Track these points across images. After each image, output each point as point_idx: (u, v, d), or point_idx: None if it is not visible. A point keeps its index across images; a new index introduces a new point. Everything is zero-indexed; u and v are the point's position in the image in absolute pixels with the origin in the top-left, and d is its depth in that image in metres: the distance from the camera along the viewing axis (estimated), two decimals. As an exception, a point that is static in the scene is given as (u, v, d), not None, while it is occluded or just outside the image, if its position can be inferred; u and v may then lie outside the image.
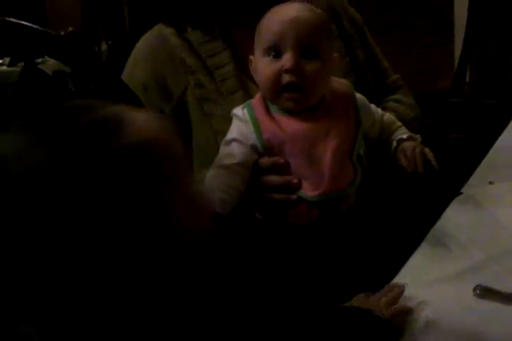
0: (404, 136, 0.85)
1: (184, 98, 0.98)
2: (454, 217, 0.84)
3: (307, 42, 0.77)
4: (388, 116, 0.90)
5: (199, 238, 0.51)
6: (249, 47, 0.97)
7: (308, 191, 0.78)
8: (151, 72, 1.00)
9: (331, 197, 0.79)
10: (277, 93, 0.79)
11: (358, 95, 0.86)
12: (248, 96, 0.94)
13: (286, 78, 0.77)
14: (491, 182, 0.92)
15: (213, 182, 0.77)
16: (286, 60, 0.76)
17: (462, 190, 0.91)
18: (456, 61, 2.42)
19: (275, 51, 0.77)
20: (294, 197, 0.79)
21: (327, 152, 0.78)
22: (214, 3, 1.00)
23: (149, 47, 1.03)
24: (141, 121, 0.47)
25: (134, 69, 1.01)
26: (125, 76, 1.01)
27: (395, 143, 0.85)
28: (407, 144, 0.84)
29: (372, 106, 0.89)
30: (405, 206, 0.94)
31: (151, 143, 0.46)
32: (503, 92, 2.11)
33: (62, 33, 3.12)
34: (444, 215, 0.85)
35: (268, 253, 0.83)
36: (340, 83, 0.85)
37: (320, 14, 0.82)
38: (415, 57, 4.05)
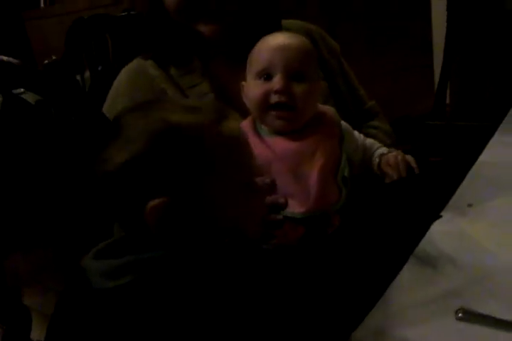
0: (385, 151, 0.89)
1: None
2: (435, 240, 0.85)
3: (295, 66, 0.83)
4: (369, 140, 0.93)
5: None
6: (227, 78, 1.00)
7: (294, 208, 0.81)
8: (131, 104, 1.00)
9: (316, 215, 0.82)
10: (266, 112, 0.84)
11: (342, 122, 0.92)
12: None
13: (274, 98, 0.83)
14: (469, 205, 0.93)
15: None
16: (276, 81, 0.82)
17: (442, 213, 0.91)
18: (437, 83, 2.45)
19: (266, 74, 0.84)
20: (280, 217, 0.80)
21: (313, 171, 0.82)
22: (193, 40, 1.01)
23: (129, 79, 1.04)
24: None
25: (115, 102, 1.02)
26: (106, 108, 1.02)
27: (377, 160, 0.89)
28: (390, 154, 0.87)
29: (356, 132, 0.93)
30: (388, 229, 0.94)
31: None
32: (483, 113, 2.15)
33: (46, 61, 3.14)
34: (425, 238, 0.85)
35: (250, 275, 0.84)
36: (326, 108, 0.91)
37: (306, 41, 0.89)
38: (395, 79, 4.11)
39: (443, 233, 0.87)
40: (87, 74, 2.75)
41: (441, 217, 0.90)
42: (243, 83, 0.88)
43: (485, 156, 1.12)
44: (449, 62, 2.33)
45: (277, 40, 0.87)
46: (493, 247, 0.81)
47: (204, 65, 1.02)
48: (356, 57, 4.45)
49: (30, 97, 1.25)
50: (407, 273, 0.77)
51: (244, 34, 0.92)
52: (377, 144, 0.93)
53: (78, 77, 2.76)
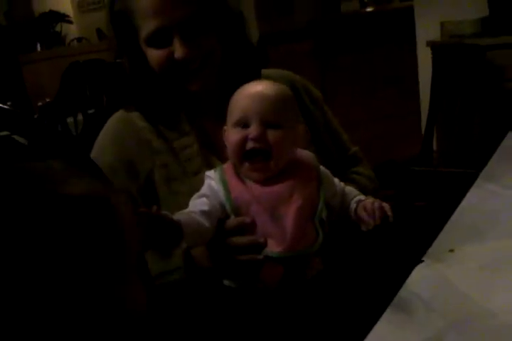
0: (362, 198, 0.92)
1: (151, 177, 1.00)
2: (416, 285, 0.85)
3: (270, 115, 0.86)
4: (348, 187, 0.95)
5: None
6: (213, 130, 1.02)
7: (272, 248, 0.83)
8: (117, 155, 1.01)
9: (294, 256, 0.83)
10: (242, 162, 0.86)
11: (321, 167, 0.93)
12: None
13: (250, 144, 0.85)
14: (451, 250, 0.94)
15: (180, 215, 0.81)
16: (252, 129, 0.85)
17: (424, 258, 0.92)
18: (424, 129, 2.51)
19: (243, 123, 0.86)
20: (261, 257, 0.83)
21: (290, 212, 0.84)
22: (178, 95, 1.04)
23: (116, 130, 1.05)
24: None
25: (101, 152, 1.03)
26: (92, 156, 1.02)
27: (354, 205, 0.91)
28: (367, 201, 0.90)
29: (335, 179, 0.95)
30: (369, 273, 0.95)
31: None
32: (468, 160, 2.19)
33: (40, 103, 3.19)
34: (406, 283, 0.86)
35: (236, 320, 0.84)
36: (305, 153, 0.93)
37: (283, 89, 0.91)
38: (383, 125, 4.20)
39: (425, 278, 0.87)
40: (80, 116, 2.80)
41: (422, 261, 0.91)
42: (225, 127, 0.91)
43: (466, 202, 1.14)
44: (435, 110, 2.39)
45: (254, 89, 0.89)
46: (473, 293, 0.82)
47: (190, 117, 1.05)
48: (345, 104, 4.56)
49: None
50: (386, 320, 0.78)
51: (227, 87, 0.95)
52: (355, 191, 0.95)
53: (71, 120, 2.81)
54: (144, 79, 1.03)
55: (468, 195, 1.18)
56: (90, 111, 2.66)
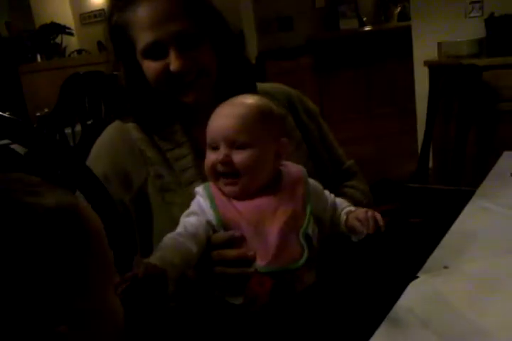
0: (352, 209, 0.92)
1: (145, 188, 1.01)
2: (410, 301, 0.85)
3: (234, 136, 0.85)
4: (339, 199, 0.96)
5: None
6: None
7: (258, 261, 0.83)
8: (111, 165, 1.03)
9: (279, 271, 0.83)
10: (216, 178, 0.88)
11: (312, 181, 0.93)
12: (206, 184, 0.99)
13: (219, 168, 0.86)
14: (445, 267, 0.94)
15: (164, 247, 0.81)
16: (219, 153, 0.86)
17: (418, 274, 0.93)
18: (420, 147, 2.53)
19: (213, 145, 0.88)
20: (251, 270, 0.83)
21: (274, 227, 0.84)
22: (174, 107, 1.05)
23: (111, 140, 1.07)
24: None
25: (96, 161, 1.04)
26: (87, 165, 1.03)
27: (344, 216, 0.92)
28: (359, 210, 0.90)
29: (326, 191, 0.95)
30: (363, 289, 0.95)
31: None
32: (463, 178, 2.21)
33: (39, 113, 3.20)
34: (401, 299, 0.86)
35: (227, 332, 0.84)
36: (295, 167, 0.93)
37: (257, 104, 0.89)
38: (381, 142, 4.22)
39: (419, 294, 0.88)
40: (79, 127, 2.81)
41: (417, 277, 0.91)
42: None
43: (461, 220, 1.15)
44: (431, 128, 2.41)
45: (222, 109, 0.89)
46: (467, 310, 0.82)
47: (185, 128, 1.06)
48: (342, 120, 4.58)
49: (17, 149, 1.27)
50: (380, 336, 0.78)
51: (223, 99, 0.96)
52: (345, 203, 0.95)
53: (69, 130, 2.81)
54: (140, 90, 1.04)
55: (464, 212, 1.18)
56: (89, 122, 2.67)
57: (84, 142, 2.51)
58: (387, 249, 1.01)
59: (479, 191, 1.31)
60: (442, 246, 1.03)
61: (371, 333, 0.78)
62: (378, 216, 0.87)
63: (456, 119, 2.35)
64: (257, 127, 0.87)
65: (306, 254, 0.85)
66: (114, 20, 1.02)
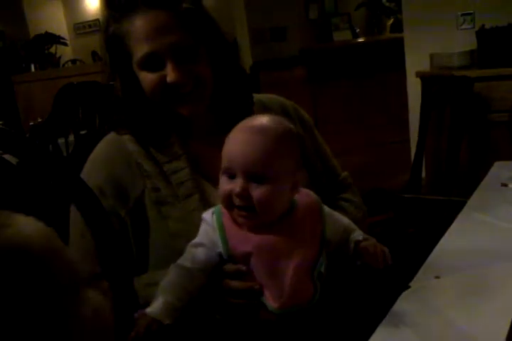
0: (360, 238, 0.88)
1: (141, 200, 0.99)
2: (402, 311, 0.86)
3: (254, 169, 0.79)
4: (346, 220, 0.93)
5: None
6: (205, 153, 1.02)
7: (269, 301, 0.81)
8: (107, 178, 1.01)
9: (290, 311, 0.81)
10: (231, 208, 0.83)
11: (325, 207, 0.89)
12: (204, 198, 0.99)
13: (236, 201, 0.81)
14: (437, 277, 0.95)
15: (168, 284, 0.80)
16: (236, 184, 0.80)
17: (410, 284, 0.93)
18: (413, 157, 2.54)
19: (230, 173, 0.82)
20: (255, 302, 0.81)
21: (289, 268, 0.80)
22: (170, 119, 1.05)
23: (106, 152, 1.05)
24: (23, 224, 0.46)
25: (91, 173, 1.02)
26: (82, 177, 1.02)
27: (352, 245, 0.88)
28: (367, 243, 0.87)
29: (336, 213, 0.92)
30: (355, 298, 0.95)
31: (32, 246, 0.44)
32: (455, 188, 2.22)
33: (32, 123, 3.20)
34: (392, 308, 0.86)
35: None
36: (308, 196, 0.88)
37: (277, 132, 0.82)
38: (374, 152, 4.25)
39: (411, 304, 0.88)
40: (72, 137, 2.80)
41: (409, 287, 0.92)
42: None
43: (453, 230, 1.15)
44: (424, 139, 2.42)
45: (242, 134, 0.82)
46: (459, 320, 0.82)
47: (182, 140, 1.05)
48: (336, 130, 4.59)
49: (9, 159, 1.27)
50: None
51: (219, 111, 0.96)
52: (352, 226, 0.91)
53: (62, 140, 2.81)
54: (136, 102, 1.03)
55: (455, 222, 1.19)
56: (82, 132, 2.66)
57: (77, 152, 2.50)
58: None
59: (470, 201, 1.32)
60: (433, 256, 1.04)
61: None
62: (387, 251, 0.84)
63: (448, 130, 2.37)
64: (278, 161, 0.81)
65: (318, 293, 0.82)
66: (110, 31, 1.02)
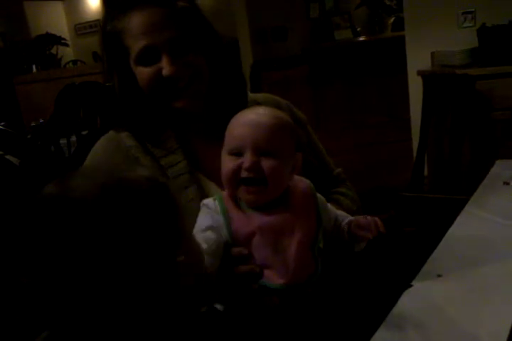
0: (352, 218, 0.93)
1: None
2: (405, 309, 0.86)
3: (264, 144, 0.85)
4: (339, 211, 0.97)
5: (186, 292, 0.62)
6: (201, 147, 1.04)
7: (273, 280, 0.82)
8: None
9: (295, 287, 0.83)
10: (236, 186, 0.85)
11: (318, 195, 0.93)
12: (200, 190, 1.01)
13: (244, 174, 0.84)
14: (439, 275, 0.95)
15: None
16: (246, 159, 0.84)
17: (412, 282, 0.93)
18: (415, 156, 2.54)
19: (237, 151, 0.85)
20: (255, 286, 0.82)
21: (292, 244, 0.83)
22: (166, 113, 1.07)
23: (104, 148, 1.08)
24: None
25: None
26: None
27: (346, 227, 0.92)
28: (358, 217, 0.91)
29: (328, 204, 0.96)
30: (357, 296, 0.95)
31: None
32: (457, 186, 2.22)
33: (33, 124, 3.20)
34: (395, 307, 0.86)
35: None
36: (302, 182, 0.93)
37: (280, 116, 0.89)
38: (376, 151, 4.24)
39: (413, 302, 0.88)
40: (74, 138, 2.81)
41: (411, 286, 0.92)
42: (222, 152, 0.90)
43: (455, 228, 1.15)
44: (425, 137, 2.42)
45: (249, 116, 0.88)
46: (462, 318, 0.82)
47: (177, 135, 1.07)
48: (337, 129, 4.59)
49: (13, 158, 1.28)
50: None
51: (214, 106, 0.97)
52: (345, 214, 0.96)
53: (64, 141, 2.81)
54: (133, 98, 1.05)
55: (457, 220, 1.19)
56: (84, 133, 2.67)
57: (79, 152, 2.50)
58: (381, 258, 1.01)
59: (472, 200, 1.32)
60: (436, 254, 1.04)
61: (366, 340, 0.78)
62: (378, 220, 0.87)
63: (450, 128, 2.37)
64: (284, 137, 0.87)
65: (319, 268, 0.85)
66: (108, 28, 1.04)
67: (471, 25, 3.04)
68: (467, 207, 1.27)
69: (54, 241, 0.54)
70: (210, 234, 0.84)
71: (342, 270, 1.00)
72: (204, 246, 0.81)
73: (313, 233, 0.87)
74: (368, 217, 0.88)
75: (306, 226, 0.86)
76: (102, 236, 0.55)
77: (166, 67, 0.99)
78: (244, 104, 1.09)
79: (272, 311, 0.83)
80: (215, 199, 0.88)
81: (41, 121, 3.12)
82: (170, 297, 0.59)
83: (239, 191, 0.86)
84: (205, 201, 0.88)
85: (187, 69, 1.01)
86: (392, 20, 5.32)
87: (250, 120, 0.87)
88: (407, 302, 0.88)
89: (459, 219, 1.20)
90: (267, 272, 0.83)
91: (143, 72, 1.01)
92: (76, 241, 0.54)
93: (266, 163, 0.84)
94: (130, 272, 0.55)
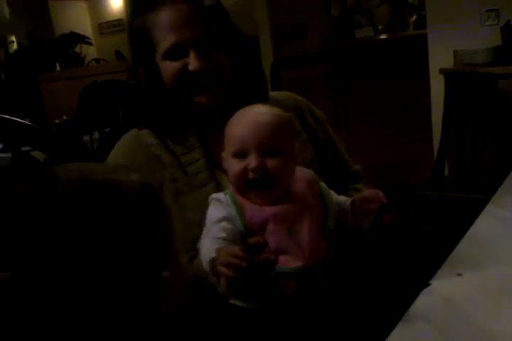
0: (353, 197, 0.95)
1: None
2: (423, 308, 0.86)
3: (268, 143, 0.86)
4: (342, 197, 0.98)
5: (177, 313, 0.58)
6: (219, 144, 1.05)
7: (289, 264, 0.84)
8: None
9: (309, 269, 0.85)
10: (244, 188, 0.87)
11: (321, 182, 0.96)
12: (219, 186, 1.02)
13: (251, 175, 0.86)
14: (459, 274, 0.95)
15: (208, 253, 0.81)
16: (251, 160, 0.86)
17: (431, 281, 0.93)
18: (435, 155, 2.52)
19: (241, 153, 0.87)
20: (272, 274, 0.84)
21: (304, 227, 0.86)
22: (187, 110, 1.09)
23: (127, 146, 1.10)
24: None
25: None
26: None
27: (349, 207, 0.95)
28: (357, 194, 0.95)
29: (331, 191, 0.98)
30: (376, 294, 0.95)
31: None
32: (477, 186, 2.20)
33: (57, 121, 3.25)
34: (413, 305, 0.87)
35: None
36: (304, 172, 0.95)
37: (279, 113, 0.90)
38: (396, 150, 4.21)
39: (431, 301, 0.88)
40: (97, 135, 2.85)
41: (430, 285, 0.92)
42: (223, 154, 0.92)
43: (476, 228, 1.15)
44: (447, 136, 2.40)
45: (249, 116, 0.89)
46: (481, 317, 0.82)
47: (197, 132, 1.09)
48: (357, 128, 4.56)
49: (37, 155, 1.30)
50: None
51: (235, 103, 0.99)
52: (347, 198, 0.97)
53: (87, 138, 2.86)
54: (156, 93, 1.07)
55: (478, 220, 1.18)
56: (107, 130, 2.70)
57: (102, 149, 2.54)
58: (400, 256, 1.01)
59: (494, 199, 1.31)
60: (456, 253, 1.03)
61: (383, 339, 0.79)
62: (380, 191, 0.90)
63: (472, 127, 2.35)
64: (285, 133, 0.89)
65: (331, 250, 0.88)
66: (135, 24, 1.06)
67: (494, 23, 3.00)
68: (488, 207, 1.26)
69: (31, 240, 0.49)
70: (225, 224, 0.85)
71: (357, 264, 1.01)
72: (223, 234, 0.83)
73: (321, 216, 0.90)
74: (370, 190, 0.91)
75: (314, 211, 0.89)
76: (80, 239, 0.50)
77: (193, 62, 1.02)
78: (264, 101, 1.10)
79: (289, 298, 0.84)
80: (226, 194, 0.89)
81: (65, 118, 3.17)
82: (151, 309, 0.53)
83: (248, 195, 0.87)
84: (215, 195, 0.90)
85: (211, 66, 1.03)
86: (414, 18, 5.27)
87: (250, 120, 0.88)
88: (425, 300, 0.88)
89: (479, 219, 1.19)
90: (282, 258, 0.84)
91: (169, 66, 1.04)
92: (53, 243, 0.49)
93: (272, 163, 0.86)
94: (108, 280, 0.50)
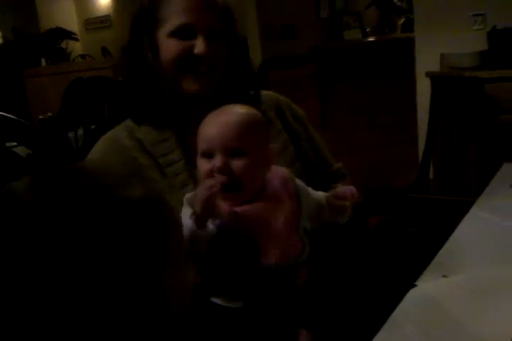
0: (328, 194, 0.94)
1: None
2: (408, 309, 0.86)
3: (232, 144, 0.85)
4: (319, 193, 0.97)
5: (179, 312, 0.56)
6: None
7: (266, 261, 0.84)
8: None
9: (284, 267, 0.84)
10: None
11: (296, 179, 0.95)
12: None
13: (218, 177, 0.85)
14: (444, 276, 0.95)
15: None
16: (216, 161, 0.85)
17: (416, 283, 0.93)
18: (420, 158, 2.54)
19: (208, 154, 0.87)
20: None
21: (277, 227, 0.86)
22: (171, 107, 1.08)
23: (103, 149, 1.09)
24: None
25: None
26: None
27: (325, 204, 0.94)
28: (332, 190, 0.94)
29: (309, 188, 0.97)
30: (361, 296, 0.95)
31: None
32: (462, 188, 2.21)
33: (41, 116, 3.21)
34: (399, 307, 0.87)
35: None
36: (278, 170, 0.94)
37: (247, 114, 0.89)
38: (382, 152, 4.24)
39: (417, 302, 0.88)
40: (81, 131, 2.82)
41: (415, 286, 0.92)
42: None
43: (460, 230, 1.15)
44: (432, 139, 2.42)
45: (216, 117, 0.89)
46: (466, 318, 0.82)
47: (177, 134, 1.08)
48: (344, 129, 4.57)
49: (22, 150, 1.28)
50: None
51: (220, 100, 0.98)
52: (325, 194, 0.97)
53: (72, 134, 2.83)
54: (142, 86, 1.07)
55: (463, 222, 1.19)
56: (92, 127, 2.68)
57: (86, 146, 2.51)
58: (386, 257, 1.01)
59: (478, 202, 1.32)
60: (441, 255, 1.04)
61: (369, 340, 0.78)
62: (353, 188, 0.90)
63: (457, 130, 2.36)
64: (252, 134, 0.87)
65: (307, 248, 0.87)
66: (145, 1, 1.07)
67: (481, 27, 3.03)
68: (473, 209, 1.27)
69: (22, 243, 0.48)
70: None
71: (340, 265, 1.01)
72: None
73: (296, 215, 0.89)
74: (343, 187, 0.90)
75: (287, 209, 0.88)
76: (72, 245, 0.48)
77: (200, 45, 1.02)
78: (249, 101, 1.09)
79: (271, 297, 0.84)
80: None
81: (49, 114, 3.14)
82: (149, 315, 0.52)
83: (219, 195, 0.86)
84: (188, 195, 0.89)
85: (214, 53, 1.04)
86: (402, 21, 5.32)
87: (218, 120, 0.88)
88: (411, 302, 0.88)
89: (464, 221, 1.20)
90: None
91: (175, 44, 1.04)
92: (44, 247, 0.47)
93: (237, 164, 0.85)
94: (104, 286, 0.49)
